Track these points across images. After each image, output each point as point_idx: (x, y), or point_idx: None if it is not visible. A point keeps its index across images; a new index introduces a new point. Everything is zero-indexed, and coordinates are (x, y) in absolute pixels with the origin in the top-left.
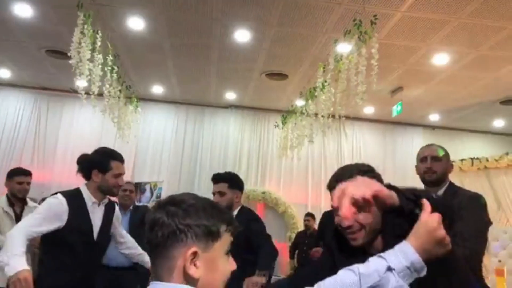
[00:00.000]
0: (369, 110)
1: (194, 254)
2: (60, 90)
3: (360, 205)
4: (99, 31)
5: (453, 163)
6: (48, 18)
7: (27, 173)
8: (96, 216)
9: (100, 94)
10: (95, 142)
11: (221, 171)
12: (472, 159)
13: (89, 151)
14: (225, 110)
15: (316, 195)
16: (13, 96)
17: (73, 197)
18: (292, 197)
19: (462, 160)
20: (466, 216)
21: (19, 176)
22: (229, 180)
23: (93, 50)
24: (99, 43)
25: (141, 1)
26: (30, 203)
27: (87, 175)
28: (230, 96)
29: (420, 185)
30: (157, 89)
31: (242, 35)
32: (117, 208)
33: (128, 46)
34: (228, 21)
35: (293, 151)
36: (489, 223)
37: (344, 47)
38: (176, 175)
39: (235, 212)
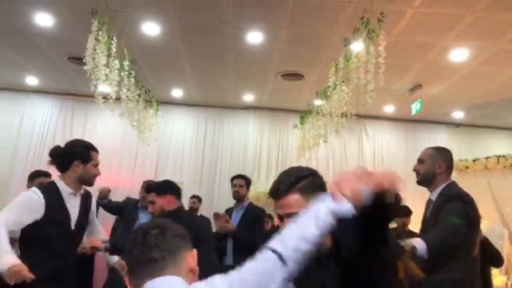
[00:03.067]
0: (389, 109)
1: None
2: (83, 95)
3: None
4: (114, 37)
5: (478, 161)
6: (68, 25)
7: (48, 175)
8: (73, 207)
9: (119, 99)
10: (118, 146)
11: (241, 172)
12: (498, 156)
13: (113, 154)
14: (243, 111)
15: None
16: (41, 102)
17: (48, 190)
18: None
19: (487, 158)
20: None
21: (39, 177)
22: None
23: (108, 55)
24: (114, 49)
25: (154, 6)
26: None
27: (64, 167)
28: (248, 97)
29: None
30: (177, 93)
31: (254, 37)
32: (93, 197)
33: (145, 50)
34: (239, 23)
35: (311, 151)
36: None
37: (354, 46)
38: (197, 176)
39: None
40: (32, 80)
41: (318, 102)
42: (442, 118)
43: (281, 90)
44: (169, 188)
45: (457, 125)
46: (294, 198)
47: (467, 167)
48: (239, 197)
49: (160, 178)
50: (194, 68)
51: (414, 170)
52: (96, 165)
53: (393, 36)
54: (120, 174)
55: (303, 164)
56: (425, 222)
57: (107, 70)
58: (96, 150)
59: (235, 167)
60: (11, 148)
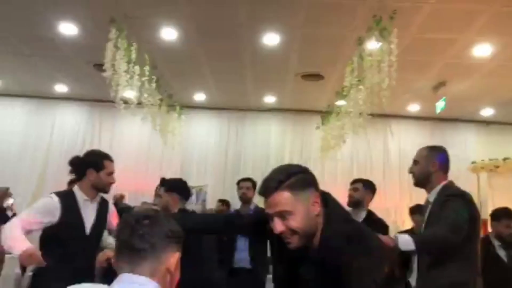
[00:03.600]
0: (414, 108)
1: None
2: (110, 101)
3: (284, 214)
4: (134, 44)
5: (508, 160)
6: (90, 34)
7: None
8: (89, 213)
9: (140, 103)
10: (145, 150)
11: (264, 174)
12: None
13: (139, 158)
14: (265, 113)
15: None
16: (70, 109)
17: (65, 196)
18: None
19: None
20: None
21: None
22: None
23: (128, 62)
24: (133, 55)
25: (171, 12)
26: None
27: (80, 175)
28: (269, 99)
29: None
30: (199, 97)
31: (271, 38)
32: (110, 204)
33: (165, 56)
34: (255, 25)
35: (334, 152)
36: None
37: (368, 45)
38: (220, 179)
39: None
40: (61, 88)
41: (339, 102)
42: (471, 116)
43: (301, 91)
44: (177, 187)
45: (487, 123)
46: (283, 195)
47: (497, 167)
48: (246, 199)
49: None
50: (214, 72)
51: (410, 172)
52: (110, 173)
53: (411, 33)
54: (147, 178)
55: (326, 165)
56: (425, 225)
57: (128, 76)
58: (110, 159)
59: (258, 170)
60: (44, 154)
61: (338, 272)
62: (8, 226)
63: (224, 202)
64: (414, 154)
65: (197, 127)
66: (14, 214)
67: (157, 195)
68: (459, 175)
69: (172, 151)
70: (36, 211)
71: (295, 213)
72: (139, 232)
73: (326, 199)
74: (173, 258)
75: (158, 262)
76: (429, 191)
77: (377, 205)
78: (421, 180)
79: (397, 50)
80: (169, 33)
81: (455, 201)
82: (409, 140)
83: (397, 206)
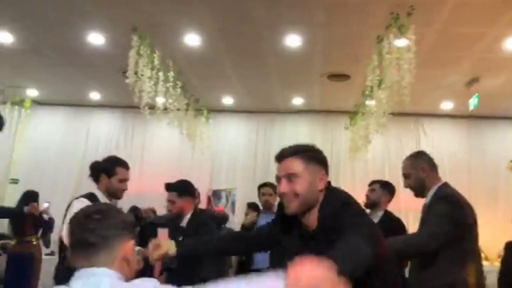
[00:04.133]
0: (447, 106)
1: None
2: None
3: (291, 177)
4: (157, 51)
5: None
6: (117, 42)
7: None
8: None
9: (166, 109)
10: (176, 154)
11: None
12: None
13: (170, 163)
14: (294, 115)
15: (395, 195)
16: (104, 115)
17: (92, 199)
18: None
19: None
20: None
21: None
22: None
23: (152, 68)
24: (156, 61)
25: (192, 19)
26: None
27: (96, 180)
28: (297, 101)
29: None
30: (227, 100)
31: (292, 40)
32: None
33: (190, 61)
34: (275, 27)
35: (363, 152)
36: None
37: (389, 42)
38: (249, 181)
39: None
40: (95, 95)
41: (365, 102)
42: (507, 112)
43: (329, 91)
44: (188, 190)
45: None
46: (295, 161)
47: None
48: (269, 206)
49: (215, 184)
50: (239, 75)
51: (406, 187)
52: (122, 180)
53: (437, 28)
54: None
55: (356, 166)
56: (418, 229)
57: (151, 82)
58: (124, 167)
59: None
60: (80, 160)
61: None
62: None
63: (253, 207)
64: (450, 153)
65: (226, 130)
66: (50, 218)
67: (169, 201)
68: (498, 173)
69: (202, 155)
70: None
71: (301, 179)
72: (90, 227)
73: (332, 187)
74: (127, 246)
75: (113, 252)
76: (426, 195)
77: (409, 206)
78: (419, 189)
79: (418, 47)
80: (192, 39)
81: (439, 204)
82: (444, 140)
83: None
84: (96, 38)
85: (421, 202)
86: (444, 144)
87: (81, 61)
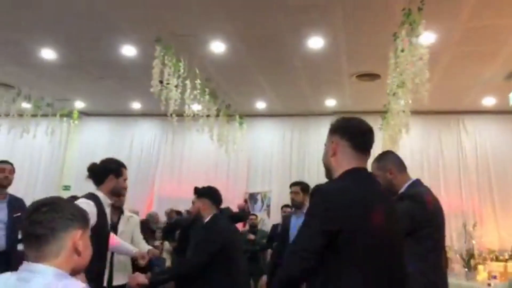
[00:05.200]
0: (489, 102)
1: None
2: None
3: None
4: (183, 59)
5: None
6: (148, 54)
7: None
8: (108, 215)
9: (196, 115)
10: (213, 159)
11: None
12: None
13: (208, 167)
14: (327, 117)
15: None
16: (146, 124)
17: (95, 200)
18: None
19: None
20: None
21: None
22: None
23: (178, 77)
24: (182, 70)
25: (215, 27)
26: (126, 212)
27: (100, 180)
28: (330, 102)
29: None
30: (261, 105)
31: (315, 42)
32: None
33: (217, 68)
34: (297, 31)
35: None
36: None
37: (404, 39)
38: (285, 184)
39: None
40: (136, 105)
41: (393, 100)
42: None
43: (360, 91)
44: (206, 193)
45: None
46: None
47: None
48: (295, 204)
49: (251, 187)
50: (268, 80)
51: None
52: (125, 179)
53: (462, 22)
54: (216, 186)
55: None
56: None
57: (178, 90)
58: (125, 168)
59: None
60: None
61: None
62: None
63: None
64: (494, 149)
65: (261, 134)
66: None
67: (192, 202)
68: None
69: (238, 160)
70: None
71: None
72: (38, 220)
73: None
74: (75, 237)
75: (61, 243)
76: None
77: (452, 209)
78: (393, 187)
79: (446, 42)
80: (217, 47)
81: (401, 203)
82: (487, 136)
83: (475, 210)
84: (128, 50)
85: (461, 203)
86: (487, 140)
87: (118, 73)
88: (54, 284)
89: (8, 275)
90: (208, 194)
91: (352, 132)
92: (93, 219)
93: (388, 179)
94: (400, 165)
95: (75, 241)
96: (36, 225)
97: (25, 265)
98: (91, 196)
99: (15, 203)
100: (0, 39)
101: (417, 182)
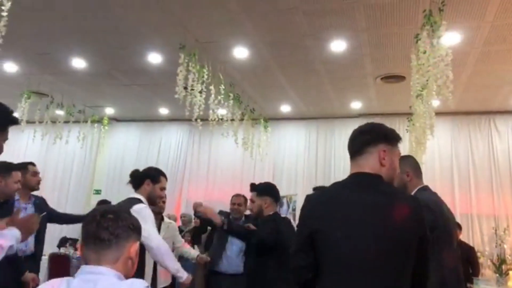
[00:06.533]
0: None
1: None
2: (206, 119)
3: None
4: (207, 66)
5: None
6: (173, 60)
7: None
8: None
9: (221, 119)
10: (239, 163)
11: None
12: None
13: (234, 171)
14: (353, 120)
15: (465, 199)
16: (173, 129)
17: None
18: None
19: None
20: None
21: None
22: None
23: (202, 82)
24: (206, 76)
25: (237, 33)
26: (166, 219)
27: (138, 184)
28: (356, 105)
29: None
30: (285, 108)
31: (338, 45)
32: None
33: (242, 73)
34: (319, 34)
35: (424, 153)
36: None
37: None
38: (311, 188)
39: None
40: (164, 111)
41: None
42: None
43: (386, 93)
44: (268, 191)
45: None
46: None
47: None
48: None
49: None
50: (292, 83)
51: None
52: (163, 188)
53: (488, 21)
54: (242, 190)
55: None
56: None
57: (203, 96)
58: (165, 177)
59: None
60: None
61: None
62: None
63: None
64: None
65: (286, 137)
66: None
67: (250, 200)
68: None
69: (263, 163)
70: (152, 223)
71: None
72: (104, 225)
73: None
74: (133, 247)
75: (121, 250)
76: None
77: (483, 212)
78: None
79: (473, 42)
80: (241, 52)
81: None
82: None
83: (508, 213)
84: (154, 58)
85: (493, 206)
86: None
87: (146, 79)
88: (118, 284)
89: (67, 279)
90: (270, 192)
91: (348, 142)
92: (150, 218)
93: (404, 181)
94: (417, 169)
95: (132, 251)
96: (103, 230)
97: (87, 267)
98: (138, 200)
99: (39, 204)
100: (35, 51)
101: (425, 188)
